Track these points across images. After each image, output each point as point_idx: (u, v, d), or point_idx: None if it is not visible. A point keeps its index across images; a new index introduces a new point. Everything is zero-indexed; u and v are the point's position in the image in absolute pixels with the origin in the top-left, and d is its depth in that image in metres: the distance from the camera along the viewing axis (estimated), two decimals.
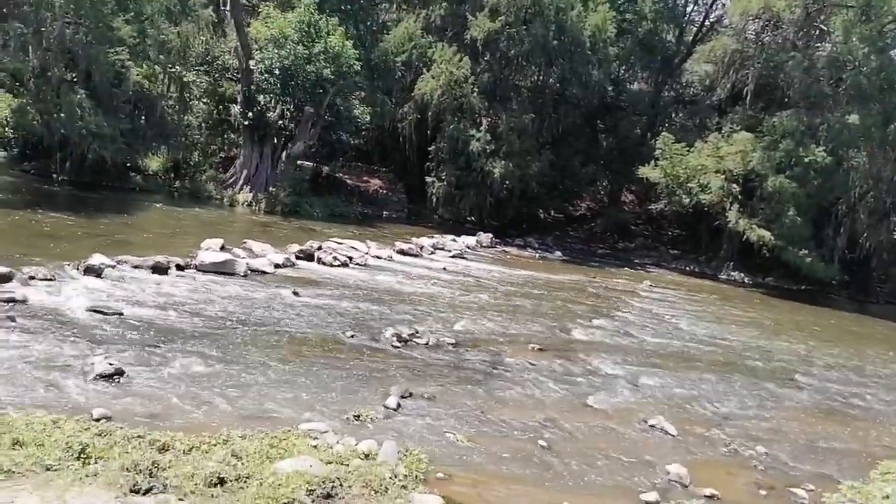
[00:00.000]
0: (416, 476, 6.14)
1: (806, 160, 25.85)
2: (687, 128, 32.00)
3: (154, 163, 28.14)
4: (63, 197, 20.86)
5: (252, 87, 26.50)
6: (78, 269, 11.71)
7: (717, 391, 11.19)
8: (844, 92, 27.01)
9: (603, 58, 29.21)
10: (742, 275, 28.78)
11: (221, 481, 5.28)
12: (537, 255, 27.17)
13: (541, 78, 31.34)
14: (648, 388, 10.67)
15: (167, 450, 5.73)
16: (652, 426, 8.90)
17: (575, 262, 26.75)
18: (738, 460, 8.40)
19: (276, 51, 25.24)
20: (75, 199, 20.75)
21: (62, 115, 19.90)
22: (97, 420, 6.18)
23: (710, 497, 7.12)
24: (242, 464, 5.63)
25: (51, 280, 10.74)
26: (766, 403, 11.01)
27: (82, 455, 5.30)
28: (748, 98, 29.24)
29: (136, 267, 12.68)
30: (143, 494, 4.97)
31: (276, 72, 25.59)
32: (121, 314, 9.66)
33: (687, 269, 29.70)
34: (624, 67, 34.09)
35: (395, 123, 31.33)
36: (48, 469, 5.02)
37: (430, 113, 29.04)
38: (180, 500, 4.94)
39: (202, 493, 5.08)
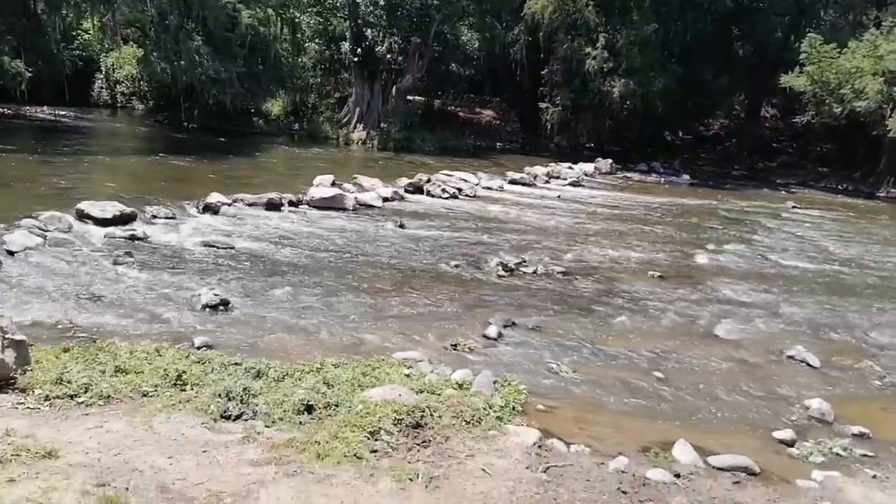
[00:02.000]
0: (513, 407, 5.74)
1: None
2: (838, 26, 28.08)
3: (276, 107, 29.18)
4: (190, 143, 22.01)
5: (359, 21, 26.32)
6: (197, 207, 12.24)
7: (872, 319, 9.82)
8: None
9: None
10: None
11: (309, 408, 5.17)
12: (662, 179, 25.45)
13: None
14: (788, 317, 9.54)
15: (261, 377, 5.71)
16: (790, 357, 7.90)
17: (706, 185, 24.80)
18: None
19: None
20: (202, 144, 21.86)
21: (182, 62, 20.75)
22: (198, 348, 6.31)
23: (860, 436, 6.16)
24: (333, 391, 5.50)
25: (171, 218, 11.30)
26: None
27: (178, 382, 5.37)
28: None
29: (250, 204, 13.08)
30: (233, 420, 4.94)
31: (381, 2, 25.18)
32: (232, 248, 9.94)
33: (839, 187, 26.67)
34: None
35: (505, 49, 30.11)
36: (144, 395, 5.13)
37: (541, 33, 27.50)
38: (267, 426, 4.87)
39: (289, 420, 4.98)
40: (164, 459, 4.13)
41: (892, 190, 25.53)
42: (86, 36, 29.66)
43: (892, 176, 25.69)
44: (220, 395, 5.17)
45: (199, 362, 5.86)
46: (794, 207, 20.72)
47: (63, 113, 25.30)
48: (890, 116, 23.78)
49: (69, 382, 5.11)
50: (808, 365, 7.79)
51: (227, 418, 4.98)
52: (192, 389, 5.31)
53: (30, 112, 24.46)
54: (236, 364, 5.88)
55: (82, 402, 4.91)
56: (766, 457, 5.58)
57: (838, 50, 24.77)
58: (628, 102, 26.54)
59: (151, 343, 6.18)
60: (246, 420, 4.96)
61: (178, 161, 18.25)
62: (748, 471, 5.18)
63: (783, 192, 24.97)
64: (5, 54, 20.58)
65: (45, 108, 25.22)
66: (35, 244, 8.80)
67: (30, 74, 21.60)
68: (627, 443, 5.56)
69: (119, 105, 30.53)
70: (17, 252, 8.43)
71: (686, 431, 5.83)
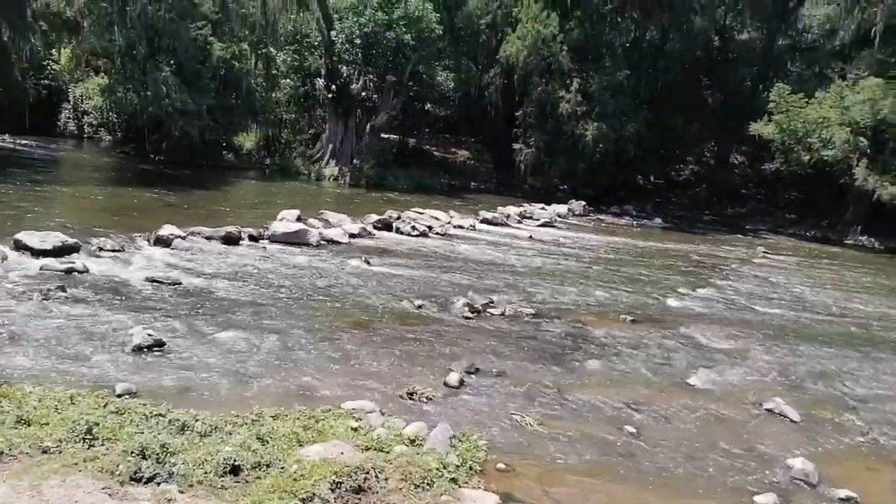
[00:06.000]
0: (471, 467, 5.13)
1: None
2: (805, 77, 28.65)
3: (248, 141, 28.62)
4: (155, 175, 21.28)
5: (334, 58, 26.10)
6: (148, 240, 11.54)
7: (849, 368, 9.41)
8: None
9: (706, 4, 26.52)
10: (872, 239, 25.59)
11: (235, 469, 4.50)
12: (634, 222, 25.34)
13: (637, 31, 28.97)
14: (763, 365, 9.09)
15: (185, 431, 5.02)
16: (769, 410, 7.40)
17: (677, 229, 24.71)
18: (880, 452, 6.79)
19: (355, 19, 24.63)
20: (167, 177, 21.15)
21: (148, 92, 20.16)
22: (119, 396, 5.60)
23: (847, 500, 5.65)
24: (266, 449, 4.83)
25: (118, 251, 10.58)
26: None
27: (87, 436, 4.67)
28: (877, 40, 25.65)
29: (207, 238, 12.41)
30: (144, 484, 4.25)
31: (357, 41, 25.03)
32: (179, 284, 9.23)
33: (807, 234, 26.80)
34: (730, 15, 30.93)
35: (481, 90, 30.13)
36: (44, 452, 4.42)
37: (516, 76, 27.56)
38: (181, 491, 4.19)
39: (210, 484, 4.31)
40: None
41: (860, 238, 25.69)
42: (55, 66, 28.99)
43: (859, 224, 25.87)
44: (132, 453, 4.49)
45: (116, 413, 5.16)
46: (764, 253, 20.61)
47: (25, 142, 24.42)
48: (856, 166, 24.06)
49: None
50: (788, 419, 7.30)
51: (138, 481, 4.29)
52: (103, 445, 4.62)
53: None
54: (159, 415, 5.19)
55: None
56: None
57: (806, 100, 25.14)
58: (601, 146, 26.54)
59: (67, 389, 5.46)
60: (159, 483, 4.28)
61: (139, 193, 17.50)
62: None
63: (753, 237, 24.96)
64: None
65: (5, 136, 24.31)
66: None
67: None
68: None
69: (86, 136, 29.72)
70: None
71: (660, 495, 5.27)
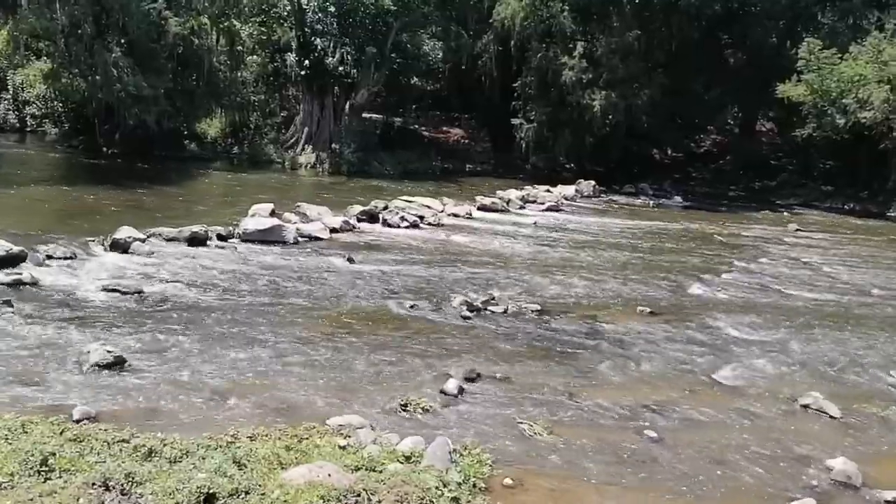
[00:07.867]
0: (474, 484, 5.19)
1: None
2: (837, 30, 28.61)
3: (212, 128, 28.51)
4: (107, 170, 21.30)
5: (306, 29, 26.03)
6: (103, 245, 11.60)
7: (893, 358, 9.50)
8: None
9: None
10: None
11: (210, 498, 4.54)
12: (651, 202, 25.45)
13: None
14: (799, 357, 9.18)
15: (153, 457, 5.07)
16: (805, 406, 7.50)
17: (699, 207, 24.83)
18: None
19: None
20: (122, 171, 21.18)
21: (97, 77, 20.11)
22: (77, 421, 5.65)
23: (895, 503, 5.73)
24: (244, 474, 4.88)
25: (70, 259, 10.65)
26: None
27: (43, 468, 4.71)
28: None
29: (170, 239, 12.49)
30: None
31: (332, 9, 24.96)
32: (139, 293, 9.29)
33: (845, 207, 26.88)
34: None
35: (473, 60, 30.09)
36: None
37: (513, 42, 27.53)
38: None
39: None
40: None
41: None
42: None
43: None
44: (94, 485, 4.54)
45: (75, 440, 5.22)
46: (797, 231, 20.73)
47: None
48: None
49: None
50: (827, 415, 7.39)
51: None
52: (60, 477, 4.67)
53: None
54: (123, 441, 5.25)
55: None
56: None
57: (839, 56, 25.14)
58: (610, 117, 26.53)
59: (17, 417, 5.51)
60: None
61: (91, 192, 17.50)
62: None
63: (784, 213, 25.04)
64: None
65: None
66: None
67: None
68: None
69: (28, 129, 29.66)
70: None
71: None
